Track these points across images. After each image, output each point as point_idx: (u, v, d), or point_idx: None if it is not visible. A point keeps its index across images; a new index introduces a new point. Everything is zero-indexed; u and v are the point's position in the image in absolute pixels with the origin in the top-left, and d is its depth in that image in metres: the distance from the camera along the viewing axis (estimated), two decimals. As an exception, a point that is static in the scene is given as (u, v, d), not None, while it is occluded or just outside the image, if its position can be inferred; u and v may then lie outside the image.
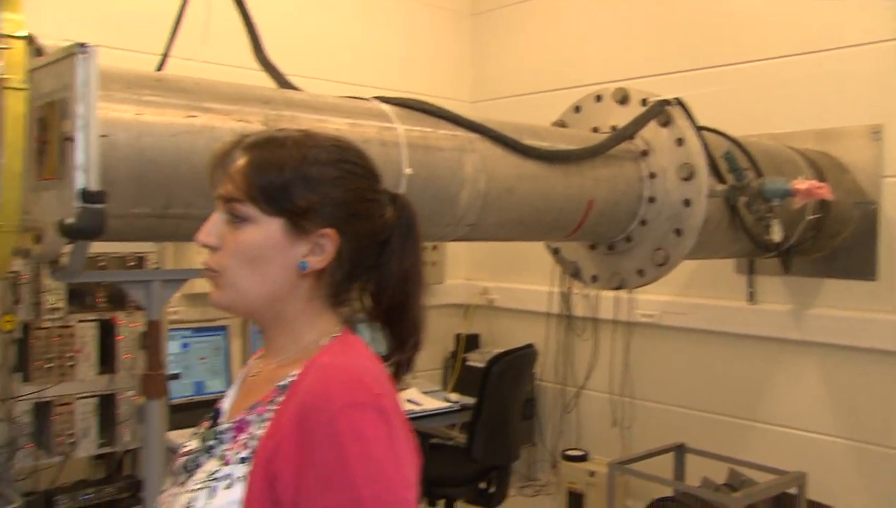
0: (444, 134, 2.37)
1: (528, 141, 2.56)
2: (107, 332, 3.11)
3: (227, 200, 1.11)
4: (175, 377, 3.54)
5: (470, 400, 3.69)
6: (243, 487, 1.02)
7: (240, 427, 1.09)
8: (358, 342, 1.16)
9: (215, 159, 1.17)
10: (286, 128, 1.18)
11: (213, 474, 1.06)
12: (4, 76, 1.56)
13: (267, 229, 1.10)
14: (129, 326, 3.13)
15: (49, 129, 1.74)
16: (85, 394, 3.03)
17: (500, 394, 3.44)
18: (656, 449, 3.49)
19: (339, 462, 0.98)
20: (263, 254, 1.10)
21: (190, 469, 1.11)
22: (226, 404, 1.22)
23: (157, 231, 1.98)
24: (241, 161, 1.11)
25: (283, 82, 2.38)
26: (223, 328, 3.67)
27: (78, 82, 1.57)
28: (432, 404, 3.80)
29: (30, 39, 1.73)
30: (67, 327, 2.99)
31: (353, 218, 1.13)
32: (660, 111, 2.77)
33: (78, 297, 3.08)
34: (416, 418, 3.62)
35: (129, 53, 2.68)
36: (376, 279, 1.17)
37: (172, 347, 3.52)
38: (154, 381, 2.11)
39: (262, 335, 1.19)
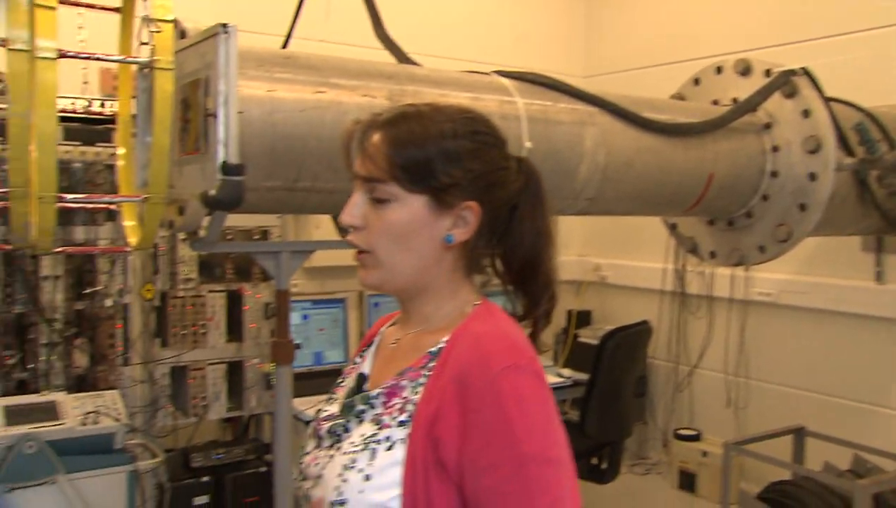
0: (564, 107, 2.37)
1: (647, 114, 2.53)
2: (234, 302, 3.27)
3: (368, 180, 1.13)
4: (297, 347, 3.69)
5: (581, 376, 3.69)
6: (404, 448, 1.07)
7: (392, 391, 1.13)
8: (498, 308, 1.20)
9: (347, 138, 1.19)
10: (414, 104, 1.19)
11: (372, 437, 1.09)
12: (155, 58, 1.66)
13: (412, 207, 1.12)
14: (254, 297, 3.28)
15: (192, 107, 1.85)
16: (215, 361, 3.21)
17: (614, 370, 3.42)
18: (774, 431, 3.40)
19: (502, 421, 1.02)
20: (411, 232, 1.13)
21: (338, 433, 1.15)
22: (365, 369, 1.26)
23: (287, 203, 2.07)
24: (378, 140, 1.12)
25: (403, 58, 2.43)
26: (341, 300, 3.79)
27: (220, 60, 1.66)
28: (544, 379, 3.81)
29: (175, 23, 1.84)
30: (199, 296, 3.16)
31: (491, 187, 1.16)
32: (784, 82, 2.68)
33: (208, 269, 3.25)
34: (528, 392, 3.65)
35: (252, 35, 2.79)
36: (508, 242, 1.20)
37: (293, 318, 3.66)
38: (283, 348, 2.21)
39: (403, 306, 1.23)
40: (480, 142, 1.16)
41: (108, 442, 2.60)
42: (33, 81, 1.53)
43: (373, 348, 1.30)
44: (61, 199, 1.63)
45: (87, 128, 2.87)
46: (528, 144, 2.26)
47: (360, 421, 1.14)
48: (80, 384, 2.88)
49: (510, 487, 1.01)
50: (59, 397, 2.63)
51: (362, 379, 1.23)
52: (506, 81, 2.34)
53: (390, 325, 1.31)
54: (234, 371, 3.27)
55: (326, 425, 1.19)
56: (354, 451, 1.09)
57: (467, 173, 1.13)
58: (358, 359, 1.32)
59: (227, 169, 1.65)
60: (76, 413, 2.57)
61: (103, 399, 2.67)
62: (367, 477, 1.06)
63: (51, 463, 2.45)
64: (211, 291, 3.20)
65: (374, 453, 1.08)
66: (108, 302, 2.91)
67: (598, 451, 3.60)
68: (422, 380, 1.11)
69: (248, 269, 3.27)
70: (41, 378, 2.82)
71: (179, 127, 1.88)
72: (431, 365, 1.12)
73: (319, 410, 1.28)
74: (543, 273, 1.21)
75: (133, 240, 1.92)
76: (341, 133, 1.21)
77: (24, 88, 1.54)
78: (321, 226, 3.72)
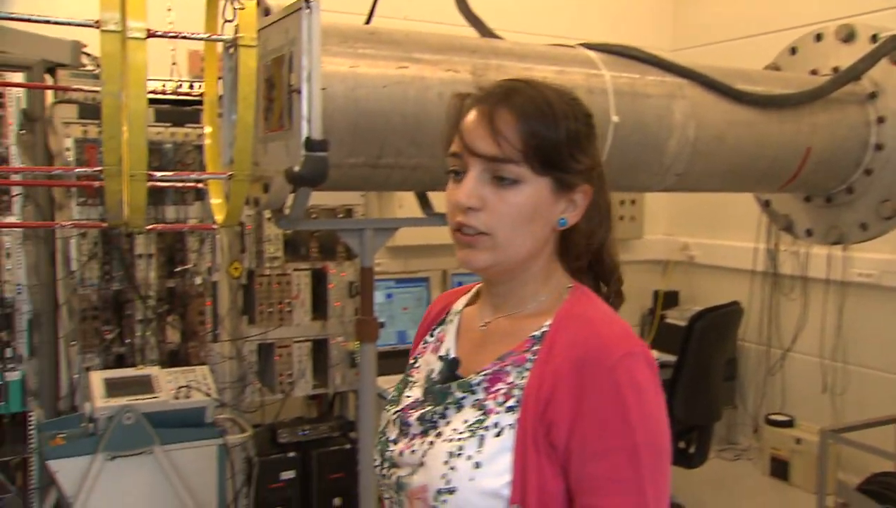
0: (653, 80, 2.29)
1: (740, 86, 2.42)
2: (318, 281, 3.30)
3: (495, 160, 1.07)
4: (381, 325, 3.72)
5: (668, 358, 3.60)
6: (513, 434, 1.04)
7: (496, 377, 1.10)
8: (592, 293, 1.17)
9: (455, 113, 1.13)
10: (515, 79, 1.14)
11: (478, 423, 1.07)
12: (238, 35, 1.67)
13: (537, 189, 1.08)
14: (339, 275, 3.31)
15: (276, 85, 1.86)
16: (300, 338, 3.25)
17: (703, 352, 3.32)
18: (876, 419, 3.25)
19: (618, 409, 1.00)
20: (535, 215, 1.09)
21: (434, 420, 1.12)
22: (452, 352, 1.21)
23: (370, 180, 2.06)
24: (511, 118, 1.06)
25: (485, 32, 2.39)
26: (425, 279, 3.79)
27: (303, 35, 1.66)
28: (629, 360, 3.73)
29: (259, 0, 1.85)
30: (285, 275, 3.20)
31: (596, 169, 1.13)
32: (893, 47, 2.53)
33: (293, 247, 3.30)
34: (613, 373, 3.59)
35: (334, 14, 2.79)
36: (584, 222, 1.16)
37: (377, 297, 3.68)
38: (367, 326, 2.21)
39: (494, 288, 1.18)
40: (591, 125, 1.14)
41: (200, 416, 2.67)
42: (124, 62, 1.56)
43: (452, 329, 1.25)
44: (151, 177, 1.66)
45: (177, 109, 2.94)
46: (615, 118, 2.20)
47: (460, 408, 1.11)
48: (172, 359, 2.97)
49: (622, 475, 1.00)
50: (154, 371, 2.71)
51: (454, 363, 1.18)
52: (592, 54, 2.28)
53: (466, 305, 1.27)
54: (319, 348, 3.31)
55: (416, 413, 1.16)
56: (460, 438, 1.07)
57: (588, 158, 1.11)
58: (430, 338, 1.28)
59: (310, 144, 1.65)
60: (170, 387, 2.65)
61: (194, 374, 2.74)
62: (477, 465, 1.04)
63: (148, 434, 2.53)
64: (296, 269, 3.24)
65: (482, 440, 1.05)
66: (198, 280, 2.98)
67: (685, 435, 3.51)
68: (527, 365, 1.08)
69: (332, 248, 3.30)
70: (137, 352, 2.91)
71: (264, 105, 1.90)
72: (535, 348, 1.09)
73: (394, 395, 1.25)
74: (609, 252, 1.19)
75: (219, 217, 1.95)
76: (449, 106, 1.15)
77: (116, 69, 1.57)
78: (404, 205, 3.72)
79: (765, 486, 4.06)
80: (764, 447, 4.17)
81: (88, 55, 2.96)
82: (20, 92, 2.74)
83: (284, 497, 3.17)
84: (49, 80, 2.80)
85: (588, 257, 1.18)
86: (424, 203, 2.36)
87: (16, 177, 2.76)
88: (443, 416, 1.12)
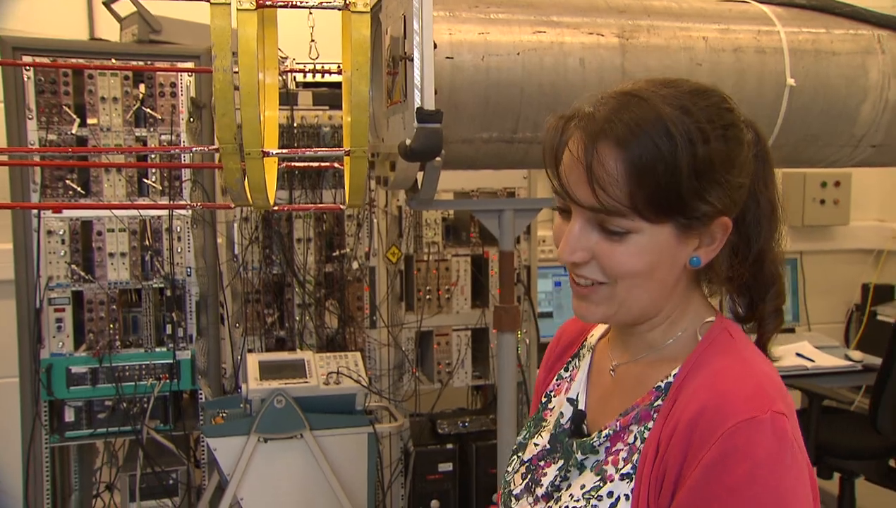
0: (842, 34, 1.96)
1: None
2: (479, 267, 3.19)
3: (600, 211, 0.89)
4: (547, 315, 3.55)
5: (875, 360, 3.15)
6: (629, 506, 0.90)
7: (617, 436, 0.95)
8: (738, 329, 0.97)
9: (552, 140, 0.94)
10: (629, 90, 0.91)
11: (594, 491, 0.93)
12: (350, 0, 1.58)
13: (656, 237, 0.89)
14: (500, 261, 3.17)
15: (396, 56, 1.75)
16: (460, 327, 3.15)
17: (916, 355, 2.86)
18: None
19: (721, 488, 0.83)
20: (655, 265, 0.91)
21: (557, 484, 0.99)
22: (578, 400, 1.06)
23: (506, 157, 1.91)
24: (612, 164, 0.86)
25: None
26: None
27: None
28: (828, 361, 3.32)
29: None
30: (444, 261, 3.12)
31: (741, 190, 0.92)
32: None
33: (454, 232, 3.20)
34: (806, 376, 3.19)
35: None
36: (744, 232, 0.96)
37: (543, 285, 3.52)
38: (507, 314, 2.06)
39: (621, 331, 1.02)
40: (734, 140, 0.91)
41: (350, 403, 2.64)
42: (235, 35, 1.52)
43: (584, 366, 1.09)
44: (266, 154, 1.61)
45: (333, 92, 2.93)
46: (790, 81, 1.90)
47: (581, 469, 0.97)
48: (330, 344, 2.98)
49: None
50: (308, 356, 2.72)
51: (580, 416, 1.03)
52: (766, 8, 1.98)
53: (602, 337, 1.10)
54: (479, 338, 3.20)
55: (546, 469, 1.02)
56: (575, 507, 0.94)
57: (722, 190, 0.89)
58: (564, 374, 1.12)
59: (422, 115, 1.52)
60: (321, 372, 2.64)
61: (346, 360, 2.72)
62: None
63: (298, 418, 2.54)
64: (455, 255, 3.14)
65: None
66: (355, 265, 2.96)
67: (894, 451, 3.05)
68: (649, 424, 0.92)
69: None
70: (296, 336, 2.95)
71: (387, 81, 1.80)
72: (658, 404, 0.92)
73: (523, 439, 1.11)
74: (771, 261, 0.97)
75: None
76: (547, 128, 0.95)
77: (227, 43, 1.53)
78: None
79: None
80: None
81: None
82: (190, 81, 2.84)
83: (442, 488, 3.10)
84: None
85: (734, 278, 0.98)
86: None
87: (185, 161, 2.88)
88: (565, 478, 0.99)
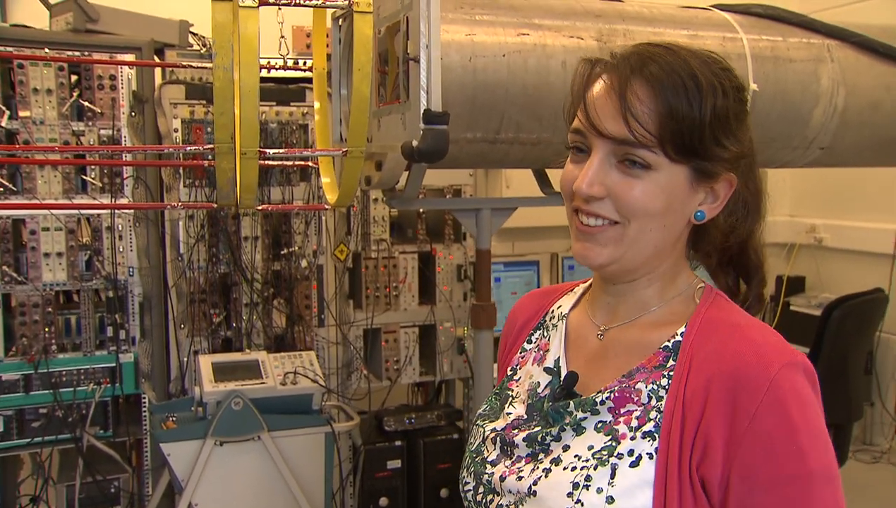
0: (797, 42, 2.08)
1: (898, 46, 2.18)
2: (426, 264, 3.20)
3: (624, 143, 0.92)
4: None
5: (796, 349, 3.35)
6: (653, 465, 0.91)
7: (624, 396, 0.96)
8: (723, 294, 1.02)
9: (582, 82, 0.98)
10: (657, 44, 0.97)
11: (608, 450, 0.93)
12: (354, 0, 1.56)
13: (671, 177, 0.93)
14: (446, 258, 3.20)
15: (389, 55, 1.75)
16: (407, 324, 3.16)
17: (841, 344, 3.05)
18: None
19: (786, 430, 0.86)
20: (669, 207, 0.94)
21: (546, 442, 0.99)
22: (561, 363, 1.06)
23: (488, 156, 1.93)
24: (646, 95, 0.91)
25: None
26: (534, 263, 3.64)
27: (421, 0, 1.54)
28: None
29: (372, -36, 1.73)
30: (391, 258, 3.11)
31: (746, 154, 0.97)
32: None
33: (400, 230, 3.20)
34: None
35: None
36: (736, 211, 1.01)
37: (484, 281, 3.56)
38: (484, 312, 2.09)
39: (613, 288, 1.03)
40: (743, 101, 0.96)
41: (307, 403, 2.61)
42: (236, 33, 1.48)
43: (558, 336, 1.10)
44: (263, 155, 1.58)
45: (281, 87, 2.88)
46: (753, 86, 2.00)
47: (580, 431, 0.97)
48: (278, 344, 2.93)
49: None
50: (261, 356, 2.67)
51: (572, 378, 1.03)
52: (728, 16, 2.08)
53: (572, 308, 1.11)
54: (427, 334, 3.21)
55: (522, 433, 1.01)
56: (585, 467, 0.93)
57: (735, 143, 0.94)
58: (528, 345, 1.14)
59: (429, 117, 1.53)
60: (277, 372, 2.60)
61: (301, 359, 2.68)
62: (611, 499, 0.90)
63: (256, 420, 2.49)
64: (403, 252, 3.14)
65: (614, 470, 0.91)
66: (303, 263, 2.92)
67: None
68: (663, 382, 0.94)
69: (440, 230, 3.19)
70: (244, 336, 2.88)
71: (377, 79, 1.79)
72: (670, 363, 0.95)
73: (487, 409, 1.11)
74: (754, 247, 1.04)
75: (332, 197, 1.86)
76: (575, 73, 0.99)
77: (227, 40, 1.49)
78: (512, 185, 3.58)
79: (905, 491, 3.74)
80: (903, 447, 3.85)
81: (196, 35, 2.93)
82: (131, 74, 2.73)
83: (391, 486, 3.09)
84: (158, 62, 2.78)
85: (718, 255, 1.04)
86: (543, 181, 2.22)
87: (127, 158, 2.76)
88: (557, 439, 0.98)
